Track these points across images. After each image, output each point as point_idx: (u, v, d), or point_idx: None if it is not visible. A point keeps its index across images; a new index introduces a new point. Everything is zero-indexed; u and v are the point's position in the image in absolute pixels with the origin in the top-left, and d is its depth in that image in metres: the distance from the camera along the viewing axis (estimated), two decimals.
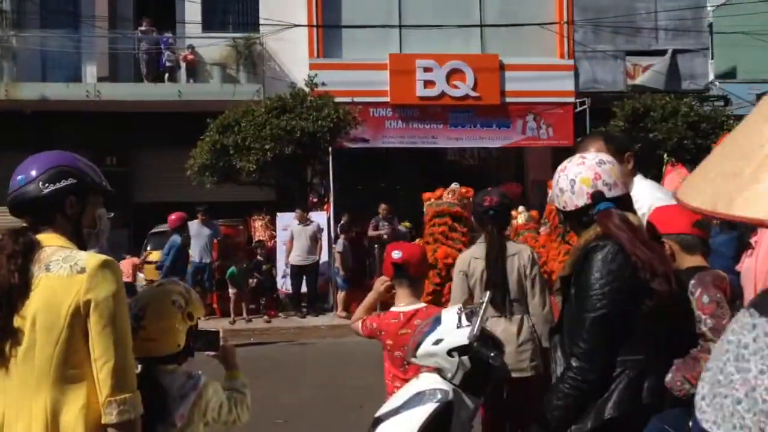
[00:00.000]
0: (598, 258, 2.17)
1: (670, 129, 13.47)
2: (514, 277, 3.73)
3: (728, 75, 21.79)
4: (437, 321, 2.65)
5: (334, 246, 12.20)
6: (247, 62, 16.42)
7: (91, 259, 1.92)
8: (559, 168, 2.44)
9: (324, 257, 12.04)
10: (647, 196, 2.88)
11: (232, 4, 17.34)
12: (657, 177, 12.77)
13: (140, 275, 12.24)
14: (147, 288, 2.36)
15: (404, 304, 3.09)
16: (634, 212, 2.33)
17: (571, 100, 16.78)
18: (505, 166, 19.01)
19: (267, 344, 9.70)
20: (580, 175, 2.31)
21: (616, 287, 2.14)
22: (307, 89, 13.91)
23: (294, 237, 11.40)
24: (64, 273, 1.88)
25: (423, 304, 3.10)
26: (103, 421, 1.85)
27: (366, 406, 4.55)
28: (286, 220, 12.32)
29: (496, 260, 3.71)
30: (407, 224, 15.93)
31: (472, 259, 3.81)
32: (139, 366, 2.09)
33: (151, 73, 16.21)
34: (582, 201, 2.29)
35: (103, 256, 1.95)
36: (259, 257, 12.24)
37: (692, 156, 13.25)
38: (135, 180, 16.88)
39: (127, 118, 15.81)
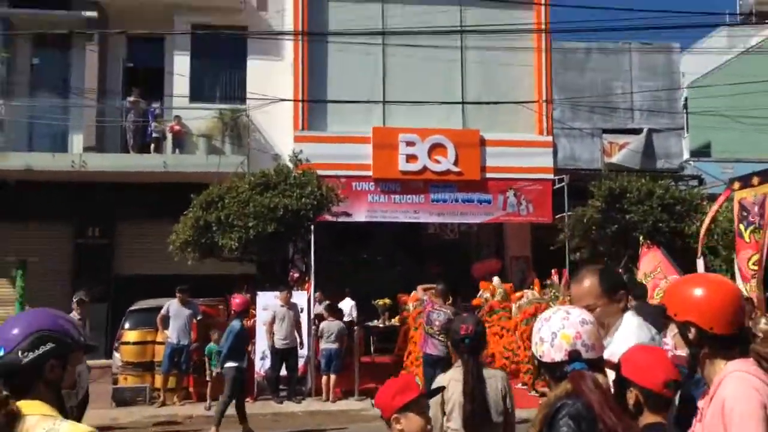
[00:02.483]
0: (567, 417, 2.27)
1: (645, 211, 13.73)
2: (491, 401, 3.87)
3: (703, 153, 22.34)
4: None
5: (313, 328, 12.26)
6: (233, 134, 16.66)
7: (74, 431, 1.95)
8: (543, 316, 2.52)
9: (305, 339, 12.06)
10: (633, 336, 2.94)
11: (219, 78, 17.65)
12: (633, 257, 13.09)
13: (116, 355, 12.15)
14: None
15: None
16: (605, 374, 2.44)
17: (550, 176, 17.11)
18: (486, 240, 19.21)
19: None
20: (561, 331, 2.41)
21: None
22: (291, 165, 14.11)
23: (277, 320, 11.43)
24: None
25: None
26: None
27: None
28: (267, 299, 12.34)
29: (474, 388, 3.82)
30: (386, 301, 15.98)
31: (451, 381, 3.92)
32: None
33: (138, 143, 16.39)
34: (559, 356, 2.39)
35: (87, 428, 1.97)
36: None
37: (667, 238, 13.52)
38: (116, 252, 16.86)
39: (110, 190, 15.90)
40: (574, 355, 2.36)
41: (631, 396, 2.50)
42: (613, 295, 3.04)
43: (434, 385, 3.84)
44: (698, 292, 2.32)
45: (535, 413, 2.44)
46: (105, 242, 16.65)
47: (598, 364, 2.42)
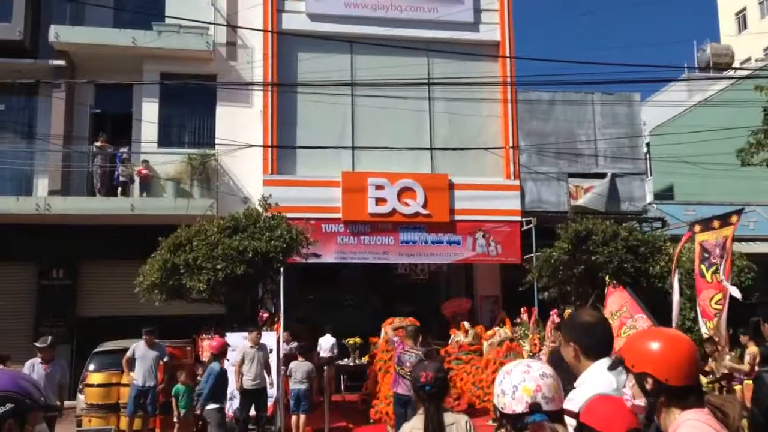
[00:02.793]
0: None
1: (610, 252, 13.94)
2: None
3: (666, 196, 22.90)
4: None
5: (282, 368, 12.13)
6: (201, 177, 16.65)
7: None
8: (505, 369, 2.60)
9: (274, 379, 11.92)
10: (596, 386, 2.94)
11: (188, 123, 17.70)
12: (600, 296, 13.26)
13: (80, 397, 11.89)
14: None
15: None
16: (565, 425, 2.50)
17: (518, 218, 17.37)
18: (456, 280, 19.34)
19: None
20: (523, 384, 2.49)
21: None
22: (260, 208, 14.11)
23: (246, 360, 11.28)
24: None
25: None
26: None
27: None
28: (235, 339, 12.19)
29: None
30: (356, 340, 15.96)
31: (413, 430, 3.92)
32: None
33: (104, 187, 16.28)
34: (520, 408, 2.47)
35: None
36: (198, 378, 12.03)
37: (632, 278, 13.75)
38: (80, 293, 16.64)
39: (76, 231, 15.76)
40: (534, 407, 2.46)
41: None
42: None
43: None
44: (655, 345, 2.42)
45: None
46: (69, 283, 16.41)
47: (558, 416, 2.51)
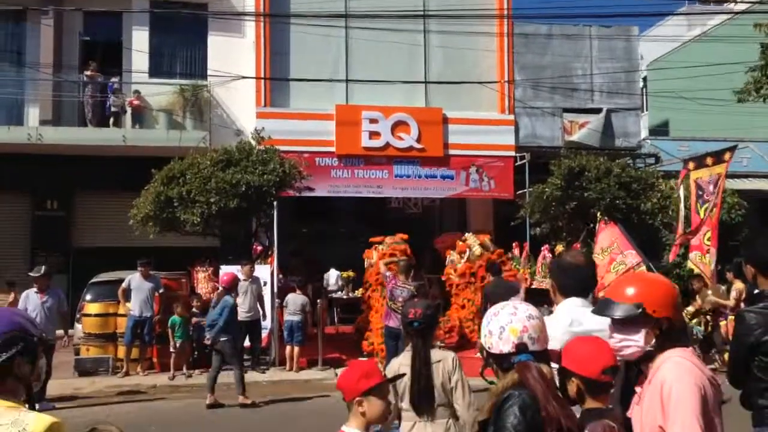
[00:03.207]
0: (514, 406, 2.41)
1: (603, 189, 14.00)
2: (439, 382, 3.96)
3: (660, 132, 22.83)
4: None
5: (277, 300, 12.32)
6: (194, 109, 16.50)
7: (38, 423, 2.03)
8: (492, 311, 2.66)
9: (268, 311, 12.13)
10: (557, 322, 3.15)
11: (179, 54, 17.41)
12: (591, 232, 13.40)
13: (77, 326, 12.07)
14: None
15: None
16: (549, 365, 2.59)
17: (512, 153, 17.34)
18: (448, 215, 19.43)
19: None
20: (509, 325, 2.55)
21: None
22: (253, 141, 14.03)
23: (240, 293, 11.44)
24: None
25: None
26: None
27: None
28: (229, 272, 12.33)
29: (420, 371, 3.96)
30: (349, 273, 16.21)
31: (401, 366, 4.03)
32: None
33: (96, 118, 16.12)
34: (507, 348, 2.54)
35: (50, 419, 2.05)
36: (194, 309, 12.24)
37: (623, 214, 13.86)
38: (75, 224, 16.70)
39: (69, 162, 15.67)
40: (520, 348, 2.52)
41: (572, 385, 2.67)
42: None
43: (388, 372, 4.05)
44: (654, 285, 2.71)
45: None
46: (63, 214, 16.45)
47: (543, 356, 2.57)
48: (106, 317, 11.92)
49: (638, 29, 20.08)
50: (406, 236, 13.97)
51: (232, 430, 8.60)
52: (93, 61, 16.21)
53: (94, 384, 10.80)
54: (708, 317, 12.49)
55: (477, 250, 13.70)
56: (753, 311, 3.79)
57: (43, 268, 10.29)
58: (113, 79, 16.45)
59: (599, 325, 3.01)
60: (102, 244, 16.06)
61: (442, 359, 4.04)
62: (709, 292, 11.99)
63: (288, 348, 11.95)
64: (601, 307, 2.74)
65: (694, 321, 12.40)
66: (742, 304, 10.62)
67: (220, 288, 10.46)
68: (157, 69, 16.87)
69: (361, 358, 10.35)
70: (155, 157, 13.76)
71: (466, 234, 14.56)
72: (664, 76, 22.30)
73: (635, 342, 2.61)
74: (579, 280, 3.40)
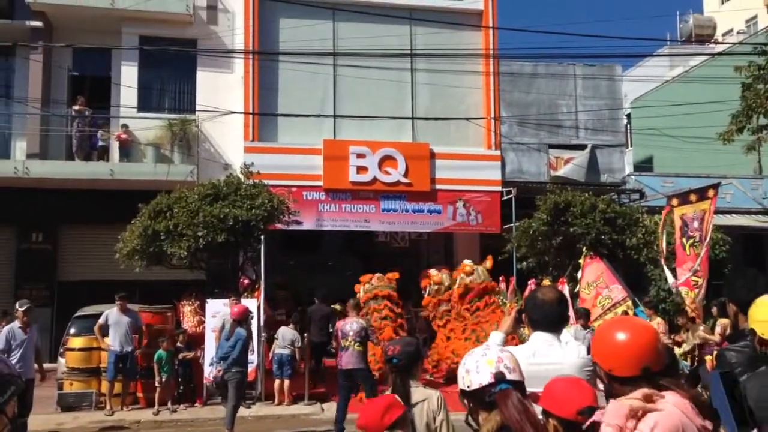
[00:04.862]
0: None
1: (588, 224, 14.12)
2: (423, 423, 3.85)
3: (645, 168, 23.10)
4: None
5: (264, 334, 12.26)
6: (182, 143, 16.52)
7: None
8: (467, 354, 2.70)
9: (255, 345, 12.02)
10: (524, 357, 3.09)
11: (168, 89, 17.49)
12: (577, 267, 13.47)
13: (61, 360, 11.93)
14: None
15: None
16: (527, 396, 2.60)
17: (498, 188, 17.48)
18: (436, 249, 19.47)
19: None
20: (484, 358, 2.59)
21: None
22: (242, 176, 14.07)
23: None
24: None
25: None
26: None
27: None
28: (216, 306, 12.28)
29: None
30: (336, 306, 16.09)
31: None
32: None
33: (83, 151, 16.13)
34: (486, 379, 2.55)
35: None
36: (179, 344, 12.13)
37: (609, 250, 13.98)
38: (61, 258, 16.56)
39: (55, 195, 15.63)
40: (499, 376, 2.53)
41: (550, 425, 2.68)
42: None
43: None
44: (606, 338, 2.62)
45: None
46: (49, 247, 16.34)
47: (521, 388, 2.58)
48: (90, 351, 11.78)
49: (621, 68, 20.49)
50: (397, 275, 13.99)
51: None
52: (81, 96, 16.27)
53: (77, 419, 10.64)
54: (694, 353, 12.52)
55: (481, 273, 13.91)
56: (733, 350, 3.85)
57: (26, 302, 10.16)
58: (101, 114, 16.48)
59: (559, 360, 3.27)
60: (88, 278, 15.93)
61: (427, 398, 3.94)
62: (701, 327, 12.04)
63: (277, 382, 11.86)
64: None
65: (681, 356, 12.43)
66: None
67: (231, 320, 10.37)
68: (145, 104, 16.93)
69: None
70: (143, 190, 13.76)
71: (465, 260, 14.64)
72: (647, 113, 22.68)
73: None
74: (547, 315, 3.55)
